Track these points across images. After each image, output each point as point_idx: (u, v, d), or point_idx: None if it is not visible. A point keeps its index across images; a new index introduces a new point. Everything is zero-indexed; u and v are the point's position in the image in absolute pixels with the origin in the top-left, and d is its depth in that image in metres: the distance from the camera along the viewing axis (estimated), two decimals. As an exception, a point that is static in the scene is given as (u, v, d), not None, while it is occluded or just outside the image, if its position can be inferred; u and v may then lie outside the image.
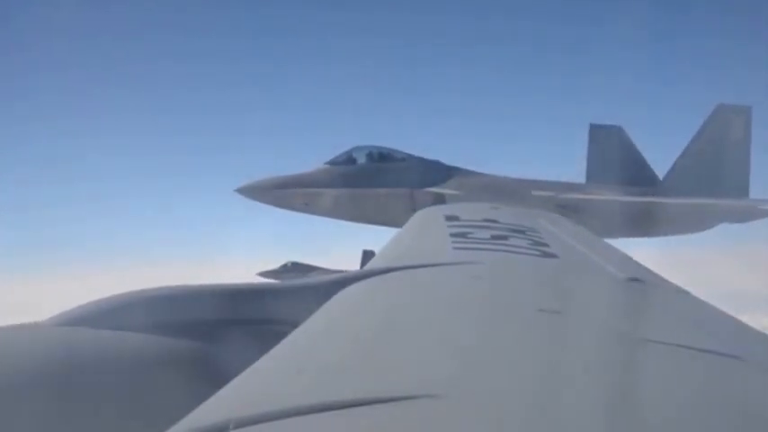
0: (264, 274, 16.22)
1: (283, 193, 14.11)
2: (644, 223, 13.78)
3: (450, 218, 6.52)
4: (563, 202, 13.40)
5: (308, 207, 14.30)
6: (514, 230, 5.77)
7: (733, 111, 15.72)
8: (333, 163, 14.48)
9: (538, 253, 4.80)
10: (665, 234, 14.54)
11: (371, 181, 14.19)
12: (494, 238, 5.27)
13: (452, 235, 5.32)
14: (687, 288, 4.01)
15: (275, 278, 15.93)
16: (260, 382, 2.05)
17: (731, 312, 3.50)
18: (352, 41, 28.35)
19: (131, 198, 26.24)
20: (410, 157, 14.77)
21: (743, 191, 15.21)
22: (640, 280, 4.00)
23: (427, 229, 6.48)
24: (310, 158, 15.17)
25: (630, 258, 5.13)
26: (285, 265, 17.48)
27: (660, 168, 16.14)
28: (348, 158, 14.55)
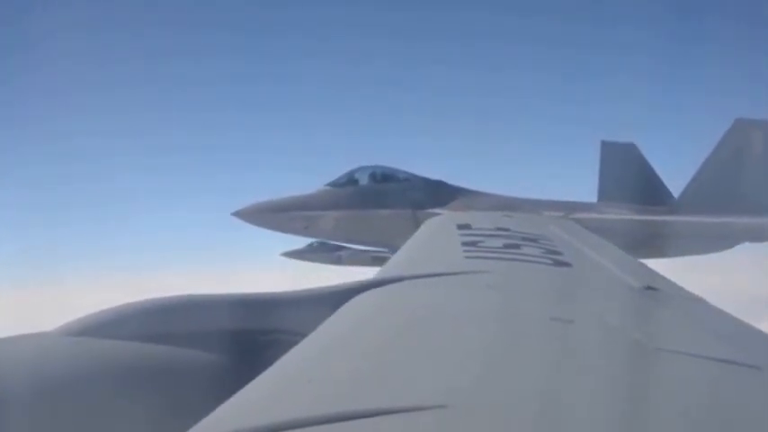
0: (290, 254, 15.89)
1: (283, 216, 14.18)
2: (659, 243, 13.77)
3: (461, 226, 6.61)
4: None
5: (309, 230, 14.36)
6: (527, 239, 5.85)
7: (752, 125, 15.64)
8: (334, 185, 14.57)
9: (550, 262, 4.88)
10: (682, 254, 14.47)
11: (374, 202, 14.25)
12: (506, 246, 5.34)
13: (464, 244, 5.40)
14: (703, 296, 4.08)
15: (301, 258, 15.72)
16: (269, 391, 2.13)
17: (749, 321, 3.56)
18: (353, 58, 28.59)
19: (138, 207, 26.31)
20: (413, 177, 14.84)
21: (764, 208, 15.18)
22: (656, 288, 4.08)
23: (439, 237, 6.57)
24: (310, 180, 15.25)
25: (645, 266, 5.20)
26: (311, 245, 17.03)
27: (675, 186, 16.19)
28: (350, 179, 14.63)
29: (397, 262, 5.18)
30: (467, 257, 4.82)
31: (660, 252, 13.72)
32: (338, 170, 14.90)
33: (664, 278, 4.59)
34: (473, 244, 5.41)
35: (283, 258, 15.65)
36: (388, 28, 29.39)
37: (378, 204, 14.23)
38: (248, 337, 3.17)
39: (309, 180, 15.26)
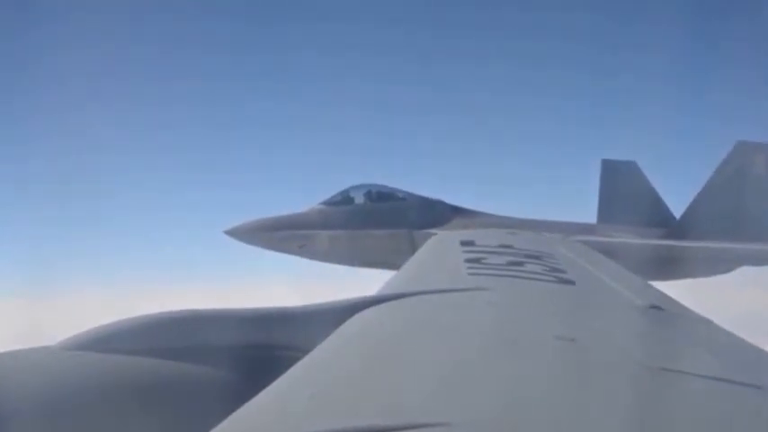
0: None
1: (276, 235, 14.20)
2: (659, 267, 13.80)
3: (465, 243, 6.70)
4: None
5: (303, 250, 14.36)
6: (530, 256, 5.93)
7: (753, 148, 15.73)
8: (329, 203, 14.60)
9: (554, 279, 4.96)
10: (682, 277, 14.53)
11: (369, 222, 14.28)
12: (509, 263, 5.42)
13: (467, 260, 5.48)
14: (707, 315, 4.16)
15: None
16: (271, 408, 2.18)
17: (752, 340, 3.62)
18: (350, 74, 28.69)
19: (140, 220, 26.22)
20: (411, 195, 14.87)
21: (765, 231, 15.23)
22: (660, 308, 4.15)
23: (442, 254, 6.65)
24: (304, 198, 15.29)
25: (650, 286, 5.28)
26: None
27: (676, 207, 16.25)
28: (345, 198, 14.67)
29: (401, 278, 5.25)
30: (470, 274, 4.89)
31: (659, 275, 13.76)
32: (333, 188, 14.98)
33: (668, 297, 4.66)
34: (476, 261, 5.50)
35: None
36: (385, 41, 29.49)
37: (374, 224, 14.25)
38: (249, 352, 3.21)
39: (304, 198, 15.31)
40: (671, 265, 13.79)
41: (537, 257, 5.96)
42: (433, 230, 13.60)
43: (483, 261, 5.53)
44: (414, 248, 11.76)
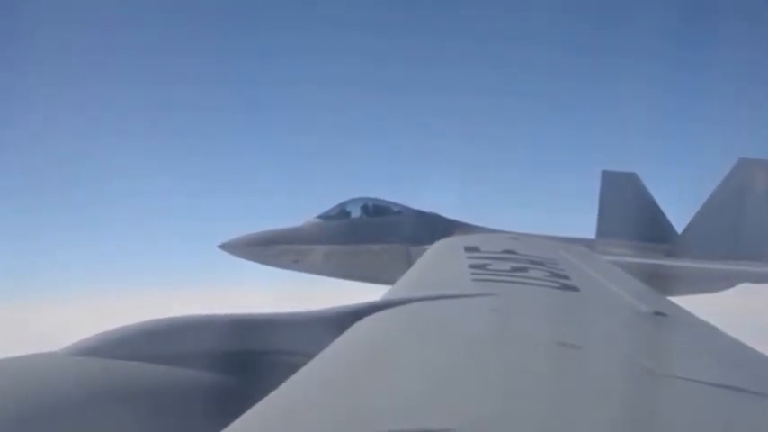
0: None
1: (271, 249, 14.23)
2: (658, 283, 13.79)
3: (469, 249, 6.76)
4: None
5: (298, 264, 14.36)
6: (534, 262, 5.99)
7: (756, 165, 15.79)
8: (324, 217, 14.64)
9: (558, 285, 5.01)
10: (681, 294, 14.58)
11: (366, 236, 14.31)
12: (513, 269, 5.48)
13: (471, 266, 5.54)
14: (711, 321, 4.21)
15: None
16: (276, 412, 2.23)
17: (758, 347, 3.67)
18: (346, 86, 28.67)
19: (142, 226, 26.16)
20: (407, 209, 14.91)
21: (766, 249, 15.25)
22: (665, 314, 4.20)
23: (446, 259, 6.71)
24: (299, 212, 15.31)
25: (654, 292, 5.33)
26: None
27: (677, 220, 16.24)
28: (341, 212, 14.71)
29: (405, 284, 5.31)
30: (474, 280, 4.95)
31: (659, 291, 13.70)
32: (329, 202, 15.01)
33: (673, 304, 4.71)
34: (481, 266, 5.56)
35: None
36: (382, 46, 29.57)
37: (370, 239, 14.27)
38: (254, 357, 3.24)
39: (299, 212, 15.33)
40: (669, 283, 13.78)
41: (540, 263, 6.02)
42: (429, 247, 13.62)
43: (487, 267, 5.59)
44: (410, 264, 11.76)
